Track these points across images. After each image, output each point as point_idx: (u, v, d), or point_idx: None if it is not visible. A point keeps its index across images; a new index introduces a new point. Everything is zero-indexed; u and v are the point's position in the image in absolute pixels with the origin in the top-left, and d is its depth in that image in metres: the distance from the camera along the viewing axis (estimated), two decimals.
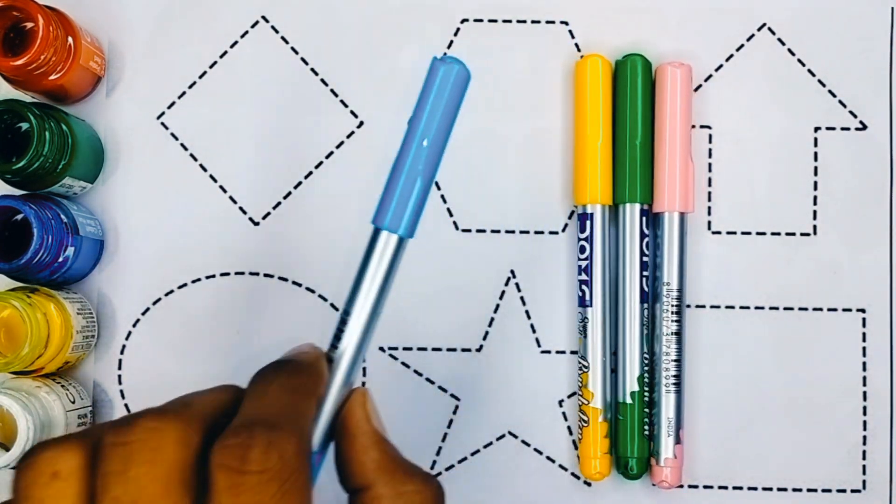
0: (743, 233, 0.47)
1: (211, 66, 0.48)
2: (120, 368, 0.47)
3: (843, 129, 0.47)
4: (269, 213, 0.47)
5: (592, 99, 0.45)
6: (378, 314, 0.35)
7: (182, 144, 0.48)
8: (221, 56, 0.48)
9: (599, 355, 0.45)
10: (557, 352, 0.47)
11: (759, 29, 0.47)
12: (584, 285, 0.45)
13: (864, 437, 0.46)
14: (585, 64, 0.46)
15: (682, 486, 0.46)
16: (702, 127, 0.47)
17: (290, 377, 0.32)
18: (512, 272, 0.47)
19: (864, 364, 0.47)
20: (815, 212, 0.47)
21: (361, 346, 0.34)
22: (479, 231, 0.47)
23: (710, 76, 0.47)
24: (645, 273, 0.45)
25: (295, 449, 0.28)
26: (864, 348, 0.47)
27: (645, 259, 0.46)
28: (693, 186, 0.45)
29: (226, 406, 0.31)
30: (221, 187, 0.47)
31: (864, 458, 0.46)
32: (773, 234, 0.47)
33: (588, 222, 0.45)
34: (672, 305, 0.45)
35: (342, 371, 0.34)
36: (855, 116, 0.47)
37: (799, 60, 0.47)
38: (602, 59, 0.45)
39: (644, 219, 0.45)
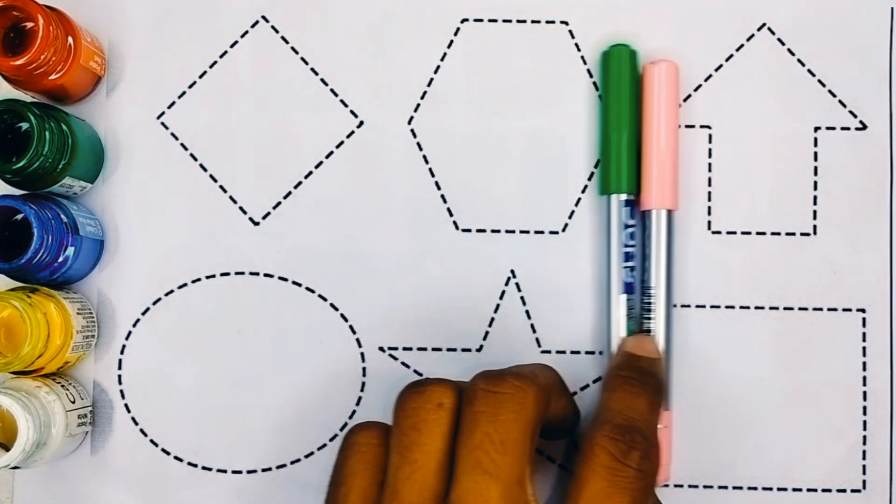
0: (743, 233, 0.47)
1: (211, 66, 0.48)
2: (120, 368, 0.47)
3: (843, 129, 0.47)
4: (269, 213, 0.47)
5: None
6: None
7: (182, 144, 0.48)
8: (221, 56, 0.48)
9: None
10: (557, 352, 0.47)
11: (759, 29, 0.47)
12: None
13: (864, 437, 0.46)
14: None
15: (681, 486, 0.46)
16: (702, 127, 0.47)
17: (653, 396, 0.41)
18: (512, 272, 0.47)
19: (864, 364, 0.47)
20: (815, 212, 0.47)
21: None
22: (479, 231, 0.47)
23: (710, 76, 0.47)
24: (627, 264, 0.46)
25: (656, 465, 0.37)
26: (864, 348, 0.47)
27: (627, 250, 0.45)
28: (675, 183, 0.46)
29: (555, 385, 0.39)
30: (221, 187, 0.47)
31: (864, 458, 0.46)
32: (773, 234, 0.47)
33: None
34: (653, 303, 0.45)
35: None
36: (855, 116, 0.47)
37: (799, 60, 0.47)
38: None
39: (629, 209, 0.46)
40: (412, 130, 0.47)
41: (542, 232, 0.47)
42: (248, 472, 0.47)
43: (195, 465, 0.47)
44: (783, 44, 0.47)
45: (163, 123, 0.48)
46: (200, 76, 0.48)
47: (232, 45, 0.48)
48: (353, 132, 0.48)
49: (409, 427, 0.35)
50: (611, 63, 0.46)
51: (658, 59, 0.46)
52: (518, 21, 0.48)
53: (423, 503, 0.34)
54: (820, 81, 0.47)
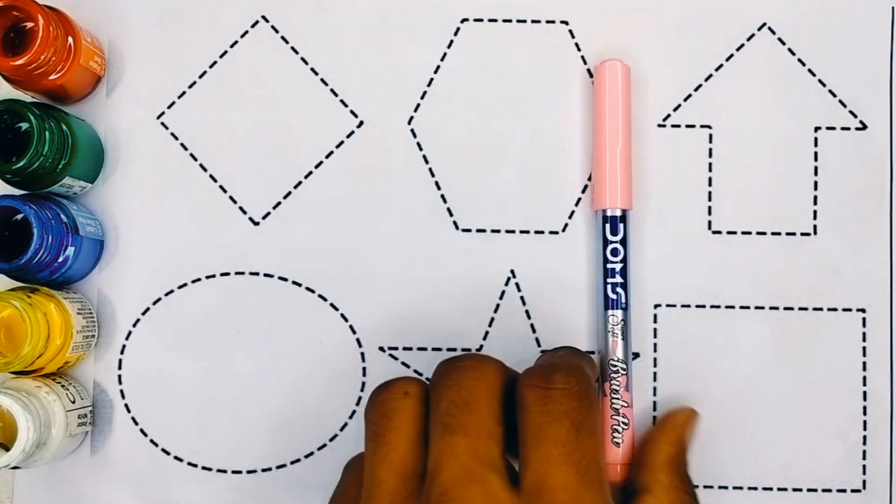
0: (743, 233, 0.47)
1: (211, 66, 0.48)
2: (120, 368, 0.47)
3: (843, 129, 0.47)
4: (269, 213, 0.47)
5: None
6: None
7: (182, 144, 0.48)
8: (221, 56, 0.48)
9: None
10: None
11: (759, 29, 0.47)
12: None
13: (864, 437, 0.46)
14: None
15: None
16: (702, 127, 0.47)
17: (572, 354, 0.42)
18: (512, 272, 0.47)
19: (864, 364, 0.47)
20: (815, 212, 0.47)
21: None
22: (479, 231, 0.47)
23: (711, 76, 0.47)
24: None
25: (589, 380, 0.36)
26: (864, 348, 0.47)
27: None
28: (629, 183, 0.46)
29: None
30: (221, 187, 0.47)
31: (864, 458, 0.46)
32: (773, 234, 0.47)
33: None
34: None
35: None
36: (855, 116, 0.47)
37: (799, 60, 0.47)
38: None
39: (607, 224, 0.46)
40: (412, 130, 0.47)
41: (542, 232, 0.47)
42: (248, 472, 0.47)
43: (195, 465, 0.47)
44: (783, 44, 0.47)
45: (163, 123, 0.48)
46: (200, 76, 0.48)
47: (232, 45, 0.48)
48: (353, 132, 0.48)
49: (379, 416, 0.36)
50: None
51: (609, 59, 0.45)
52: (518, 21, 0.48)
53: (400, 480, 0.35)
54: (820, 81, 0.47)
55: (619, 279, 0.45)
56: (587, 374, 0.37)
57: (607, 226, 0.45)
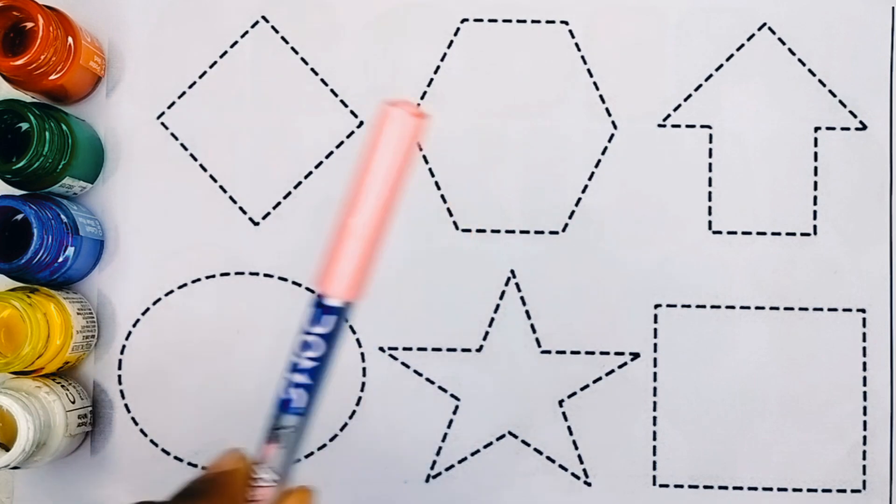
0: (743, 233, 0.47)
1: (211, 66, 0.48)
2: (120, 368, 0.47)
3: (843, 129, 0.47)
4: (269, 213, 0.47)
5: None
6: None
7: (182, 144, 0.48)
8: (221, 56, 0.48)
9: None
10: (557, 352, 0.47)
11: (759, 29, 0.47)
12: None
13: (864, 437, 0.46)
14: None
15: (681, 486, 0.46)
16: (702, 127, 0.47)
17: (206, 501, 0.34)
18: (512, 272, 0.47)
19: (865, 364, 0.47)
20: (815, 212, 0.47)
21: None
22: (479, 231, 0.47)
23: (711, 76, 0.47)
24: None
25: None
26: (864, 348, 0.47)
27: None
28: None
29: None
30: (221, 187, 0.47)
31: (864, 458, 0.46)
32: (773, 234, 0.47)
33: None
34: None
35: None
36: (855, 116, 0.47)
37: (799, 60, 0.47)
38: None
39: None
40: None
41: (542, 232, 0.47)
42: None
43: (195, 465, 0.47)
44: (783, 44, 0.47)
45: (163, 123, 0.48)
46: (200, 76, 0.48)
47: (232, 45, 0.48)
48: (353, 132, 0.48)
49: None
50: None
51: (399, 102, 0.31)
52: (518, 21, 0.48)
53: None
54: (820, 81, 0.47)
55: (305, 379, 0.33)
56: None
57: (312, 310, 0.33)
